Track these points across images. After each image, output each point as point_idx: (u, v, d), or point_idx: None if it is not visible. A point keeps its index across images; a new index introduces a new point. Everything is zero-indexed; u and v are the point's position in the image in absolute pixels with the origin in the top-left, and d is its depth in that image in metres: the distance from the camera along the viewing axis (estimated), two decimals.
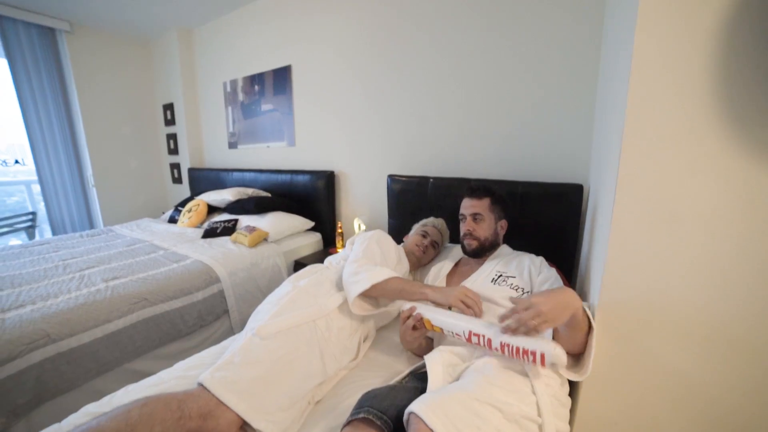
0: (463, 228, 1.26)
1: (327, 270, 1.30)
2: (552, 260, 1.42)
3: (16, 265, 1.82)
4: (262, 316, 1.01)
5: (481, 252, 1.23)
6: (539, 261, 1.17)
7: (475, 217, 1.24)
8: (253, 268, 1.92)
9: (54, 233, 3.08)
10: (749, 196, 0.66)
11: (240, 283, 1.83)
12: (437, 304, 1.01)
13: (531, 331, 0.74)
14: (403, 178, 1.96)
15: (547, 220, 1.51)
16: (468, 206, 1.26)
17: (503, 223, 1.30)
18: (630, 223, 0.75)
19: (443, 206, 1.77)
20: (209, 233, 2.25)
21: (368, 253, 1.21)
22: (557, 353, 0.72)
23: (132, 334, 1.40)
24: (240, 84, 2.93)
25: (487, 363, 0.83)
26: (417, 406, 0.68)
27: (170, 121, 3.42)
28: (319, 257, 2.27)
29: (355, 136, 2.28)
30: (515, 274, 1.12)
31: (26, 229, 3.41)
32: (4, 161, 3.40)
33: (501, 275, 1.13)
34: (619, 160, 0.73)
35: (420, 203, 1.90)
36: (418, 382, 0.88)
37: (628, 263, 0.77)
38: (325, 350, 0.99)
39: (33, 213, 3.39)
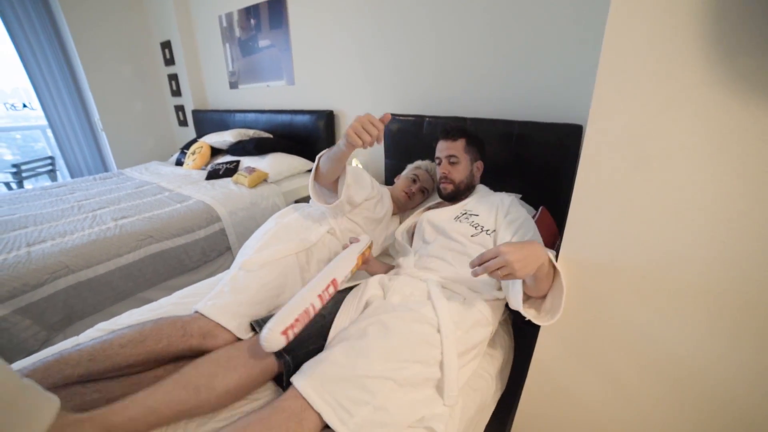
0: (439, 171, 1.25)
1: (309, 207, 1.34)
2: (546, 203, 1.41)
3: (38, 205, 1.96)
4: (247, 251, 1.09)
5: (456, 195, 1.23)
6: (509, 200, 1.15)
7: (450, 159, 1.21)
8: (252, 208, 2.00)
9: (72, 176, 3.24)
10: (728, 132, 0.60)
11: (240, 222, 1.92)
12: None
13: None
14: (400, 117, 1.90)
15: (543, 162, 1.46)
16: (443, 149, 1.23)
17: (479, 164, 1.27)
18: (595, 168, 0.70)
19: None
20: (212, 175, 2.31)
21: None
22: None
23: (141, 267, 1.54)
24: (236, 17, 2.76)
25: (394, 317, 0.82)
26: (302, 382, 0.69)
27: (170, 61, 3.32)
28: None
29: (353, 74, 2.17)
30: (479, 212, 1.13)
31: (48, 172, 3.59)
32: (13, 105, 3.47)
33: (465, 213, 1.14)
34: (592, 97, 0.68)
35: (416, 143, 1.86)
36: (333, 305, 0.93)
37: (593, 213, 0.73)
38: (306, 280, 1.08)
39: (51, 158, 3.54)
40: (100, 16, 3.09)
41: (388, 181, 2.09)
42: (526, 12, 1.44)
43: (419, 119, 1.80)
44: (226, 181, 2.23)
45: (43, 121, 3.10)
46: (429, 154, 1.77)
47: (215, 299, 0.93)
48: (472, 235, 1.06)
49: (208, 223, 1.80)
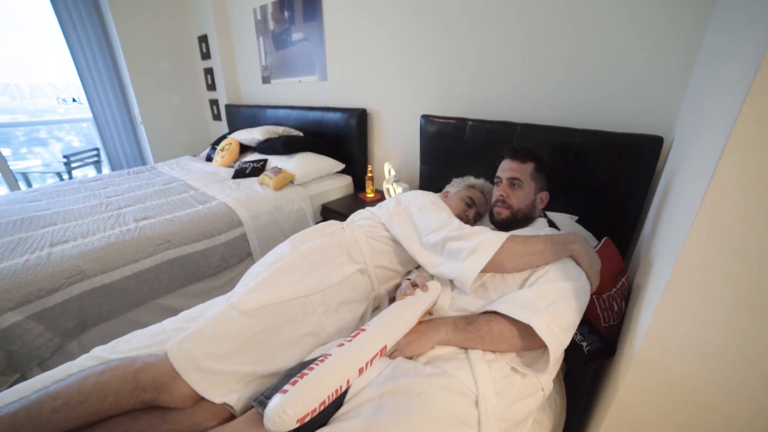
0: (496, 192, 1.05)
1: (342, 232, 1.10)
2: (608, 230, 1.18)
3: (72, 200, 1.98)
4: (249, 280, 0.92)
5: (510, 224, 1.03)
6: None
7: (513, 182, 1.02)
8: (276, 212, 1.89)
9: (112, 168, 3.35)
10: None
11: (263, 227, 1.83)
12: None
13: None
14: (438, 119, 1.70)
15: (607, 180, 1.22)
16: (507, 169, 1.05)
17: (544, 195, 1.07)
18: (717, 224, 0.48)
19: (482, 155, 1.52)
20: (239, 174, 2.24)
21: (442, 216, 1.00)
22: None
23: (158, 273, 1.48)
24: (270, 10, 2.67)
25: (421, 384, 0.66)
26: None
27: (206, 55, 3.32)
28: (348, 202, 2.18)
29: (389, 70, 2.00)
30: None
31: (94, 163, 3.75)
32: (64, 99, 3.64)
33: None
34: (725, 143, 0.45)
35: (455, 149, 1.66)
36: None
37: (704, 297, 0.51)
38: (317, 330, 0.86)
39: (97, 149, 3.68)
40: (143, 11, 3.13)
41: (423, 188, 1.91)
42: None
43: (461, 122, 1.60)
44: (251, 181, 2.15)
45: (89, 114, 3.20)
46: (470, 162, 1.58)
47: (192, 342, 0.77)
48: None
49: (228, 227, 1.71)
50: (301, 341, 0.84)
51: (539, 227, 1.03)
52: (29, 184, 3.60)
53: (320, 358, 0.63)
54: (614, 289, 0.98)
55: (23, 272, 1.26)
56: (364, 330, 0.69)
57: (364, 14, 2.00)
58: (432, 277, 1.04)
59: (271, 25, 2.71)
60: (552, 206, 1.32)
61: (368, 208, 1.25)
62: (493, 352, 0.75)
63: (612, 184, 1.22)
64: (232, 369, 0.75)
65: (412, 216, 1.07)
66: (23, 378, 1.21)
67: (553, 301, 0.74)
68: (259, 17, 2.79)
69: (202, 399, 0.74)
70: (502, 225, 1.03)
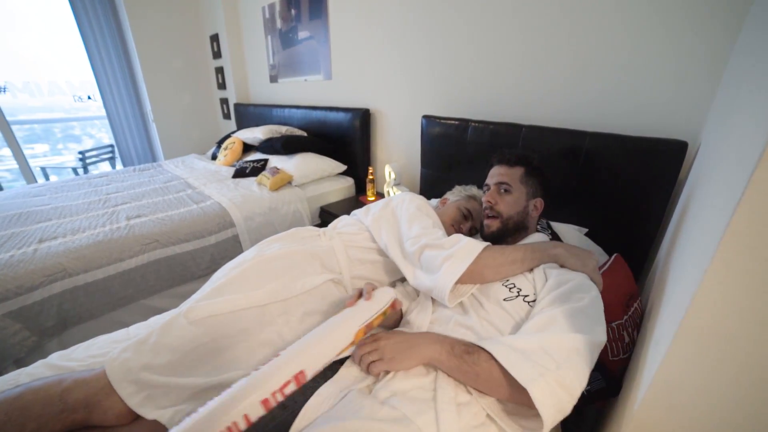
0: (484, 200, 0.95)
1: (317, 239, 1.01)
2: (620, 246, 1.05)
3: (73, 195, 1.99)
4: (206, 286, 0.85)
5: (502, 236, 0.92)
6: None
7: (501, 187, 0.92)
8: (271, 213, 1.83)
9: (124, 165, 3.40)
10: None
11: (256, 229, 1.77)
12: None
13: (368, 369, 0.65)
14: (439, 120, 1.60)
15: (621, 187, 1.09)
16: (495, 174, 0.96)
17: (537, 202, 0.95)
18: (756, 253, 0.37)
19: (485, 159, 1.41)
20: (239, 173, 2.20)
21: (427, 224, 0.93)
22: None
23: (144, 273, 1.44)
24: (278, 8, 2.65)
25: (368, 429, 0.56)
26: None
27: (217, 54, 3.33)
28: (348, 205, 2.11)
29: (393, 69, 1.91)
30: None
31: (109, 159, 3.83)
32: (80, 97, 3.74)
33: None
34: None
35: (457, 153, 1.56)
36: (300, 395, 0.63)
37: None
38: (275, 341, 0.78)
39: (112, 146, 3.75)
40: (158, 10, 3.16)
41: (423, 192, 1.81)
42: None
43: (463, 123, 1.50)
44: (250, 181, 2.10)
45: (103, 112, 3.26)
46: (472, 167, 1.47)
47: (132, 351, 0.70)
48: (504, 299, 0.75)
49: (220, 228, 1.66)
50: (255, 353, 0.75)
51: (537, 241, 0.92)
52: (48, 180, 3.71)
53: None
54: (626, 317, 0.85)
55: (5, 268, 1.24)
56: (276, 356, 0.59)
57: (369, 11, 1.93)
58: (418, 293, 0.94)
59: (279, 23, 2.68)
60: (559, 216, 1.20)
61: (355, 212, 1.17)
62: (470, 392, 0.63)
63: (627, 193, 1.09)
64: (170, 381, 0.68)
65: (399, 220, 0.99)
66: None
67: (566, 357, 0.58)
68: (267, 15, 2.77)
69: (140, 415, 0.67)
70: (493, 239, 0.92)
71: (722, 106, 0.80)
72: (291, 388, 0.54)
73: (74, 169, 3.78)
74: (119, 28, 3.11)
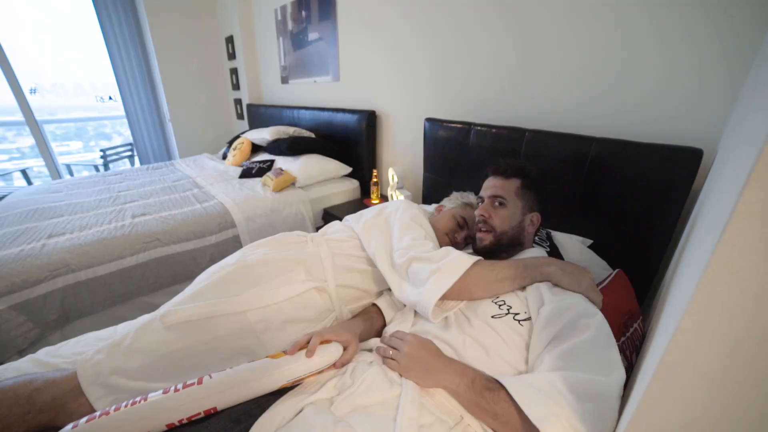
0: (477, 213, 0.91)
1: (303, 246, 0.98)
2: (626, 260, 0.99)
3: (86, 192, 2.05)
4: (187, 290, 0.84)
5: (495, 251, 0.88)
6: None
7: (495, 200, 0.88)
8: (272, 215, 1.84)
9: (141, 163, 3.51)
10: None
11: (257, 230, 1.77)
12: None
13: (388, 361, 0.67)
14: (442, 123, 1.56)
15: (629, 197, 1.02)
16: (489, 186, 0.91)
17: (534, 217, 0.90)
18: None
19: (487, 164, 1.36)
20: (245, 173, 2.23)
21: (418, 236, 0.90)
22: None
23: (144, 271, 1.46)
24: (289, 10, 2.67)
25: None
26: None
27: (232, 55, 3.39)
28: (351, 207, 2.09)
29: (397, 70, 1.88)
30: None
31: (129, 157, 3.97)
32: (101, 97, 3.89)
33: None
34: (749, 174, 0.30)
35: (460, 156, 1.51)
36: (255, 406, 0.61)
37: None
38: (254, 349, 0.76)
39: (131, 144, 3.89)
40: (177, 14, 3.25)
41: (426, 197, 1.77)
42: None
43: (466, 127, 1.45)
44: (255, 182, 2.12)
45: (122, 112, 3.38)
46: (474, 172, 1.42)
47: (105, 353, 0.70)
48: (493, 316, 0.71)
49: (221, 228, 1.67)
50: (231, 360, 0.74)
51: (531, 256, 0.86)
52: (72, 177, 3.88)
53: (132, 401, 0.55)
54: (623, 338, 0.79)
55: (13, 262, 1.28)
56: (200, 383, 0.58)
57: (377, 12, 1.91)
58: (404, 306, 0.90)
59: (290, 25, 2.70)
60: (562, 226, 1.14)
61: (347, 218, 1.14)
62: (434, 413, 0.59)
63: (635, 203, 1.02)
64: (138, 386, 0.67)
65: (392, 229, 0.96)
66: None
67: (585, 399, 0.54)
68: (279, 17, 2.79)
69: None
70: (485, 253, 0.87)
71: (743, 112, 0.74)
72: (198, 417, 0.55)
73: (96, 167, 3.94)
74: (139, 31, 3.22)
